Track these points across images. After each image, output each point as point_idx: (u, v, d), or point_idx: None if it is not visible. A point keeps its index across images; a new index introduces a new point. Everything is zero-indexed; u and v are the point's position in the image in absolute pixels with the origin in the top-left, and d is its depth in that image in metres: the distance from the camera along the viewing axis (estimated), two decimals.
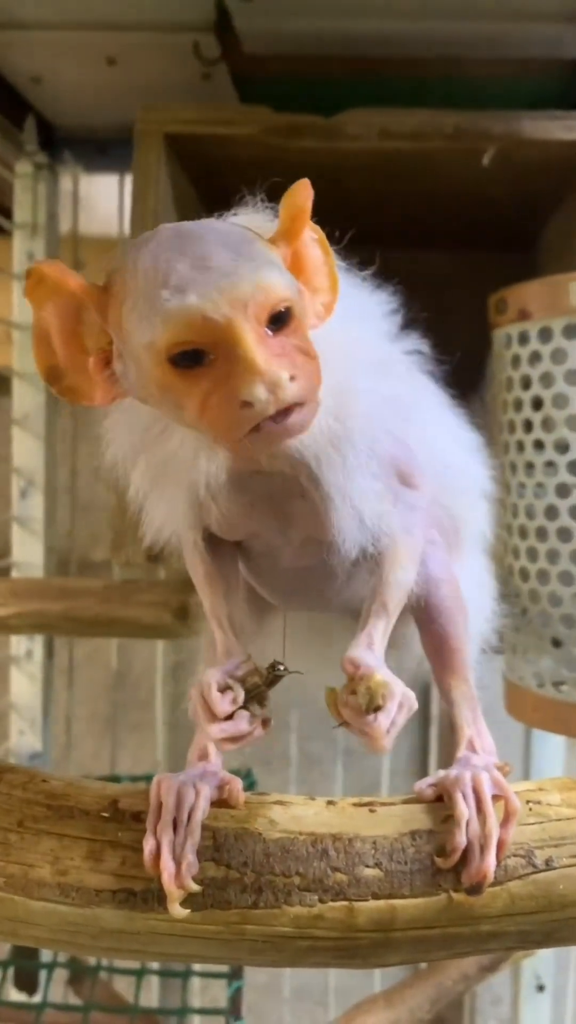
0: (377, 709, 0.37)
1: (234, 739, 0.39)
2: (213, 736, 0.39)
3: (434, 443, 0.49)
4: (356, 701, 0.38)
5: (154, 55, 0.86)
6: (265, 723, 0.40)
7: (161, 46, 0.85)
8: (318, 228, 0.39)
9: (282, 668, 0.41)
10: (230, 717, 0.39)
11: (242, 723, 0.39)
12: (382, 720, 0.37)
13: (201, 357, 0.33)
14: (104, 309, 0.36)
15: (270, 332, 0.34)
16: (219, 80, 0.88)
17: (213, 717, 0.39)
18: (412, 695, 0.39)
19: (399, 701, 0.38)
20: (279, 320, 0.34)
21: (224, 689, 0.40)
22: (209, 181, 0.90)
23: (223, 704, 0.39)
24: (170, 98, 0.89)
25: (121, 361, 0.36)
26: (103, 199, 1.12)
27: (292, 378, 0.33)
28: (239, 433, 0.34)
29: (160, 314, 0.33)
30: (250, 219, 0.39)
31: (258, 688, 0.41)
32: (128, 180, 0.99)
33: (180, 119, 0.80)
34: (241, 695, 0.40)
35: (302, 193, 0.38)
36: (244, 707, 0.40)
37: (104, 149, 1.03)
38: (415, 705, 0.39)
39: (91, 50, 0.87)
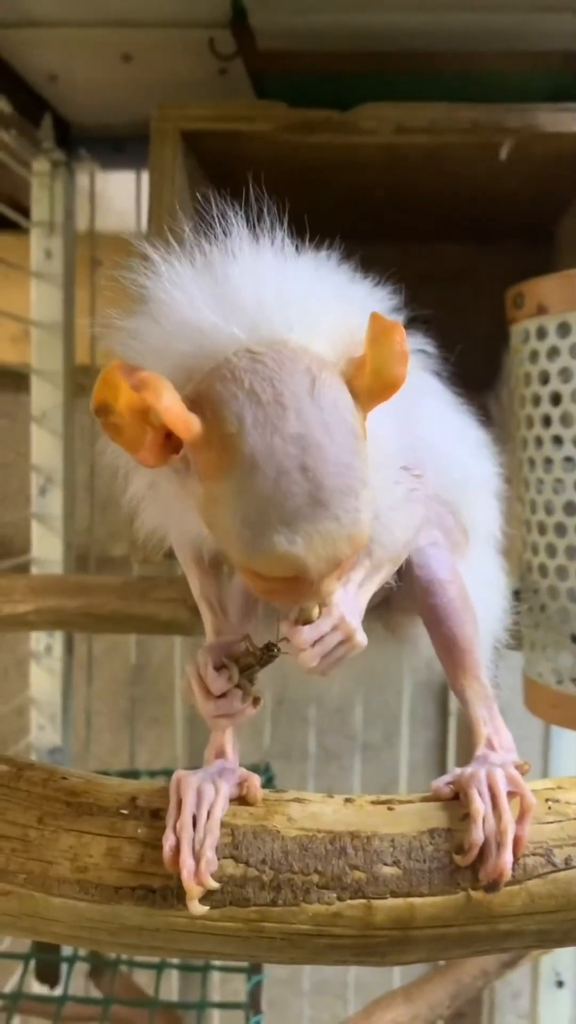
0: (307, 622, 0.38)
1: (227, 716, 0.40)
2: (208, 713, 0.40)
3: (438, 441, 0.48)
4: (295, 613, 0.38)
5: (170, 52, 0.86)
6: (256, 701, 0.41)
7: (177, 43, 0.85)
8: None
9: (276, 649, 0.41)
10: (223, 695, 0.40)
11: (236, 701, 0.40)
12: (306, 632, 0.38)
13: None
14: (196, 449, 0.35)
15: None
16: (235, 76, 0.88)
17: (208, 695, 0.40)
18: (357, 631, 0.39)
19: (334, 623, 0.38)
20: None
21: (219, 667, 0.41)
22: (225, 177, 0.90)
23: (219, 682, 0.40)
24: (186, 94, 0.89)
25: (188, 471, 0.36)
26: (120, 196, 1.12)
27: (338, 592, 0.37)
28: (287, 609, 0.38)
29: (263, 546, 0.33)
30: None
31: (252, 667, 0.41)
32: (144, 177, 0.99)
33: (196, 116, 0.80)
34: (236, 673, 0.41)
35: (398, 348, 0.35)
36: (236, 685, 0.41)
37: (120, 146, 1.03)
38: (357, 641, 0.39)
39: (107, 47, 0.87)
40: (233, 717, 0.40)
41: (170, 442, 0.35)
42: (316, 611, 0.38)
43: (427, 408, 0.49)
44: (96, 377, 0.35)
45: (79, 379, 1.06)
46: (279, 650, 0.41)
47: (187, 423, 0.34)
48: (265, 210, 0.41)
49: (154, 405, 0.33)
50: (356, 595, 0.42)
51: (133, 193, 1.06)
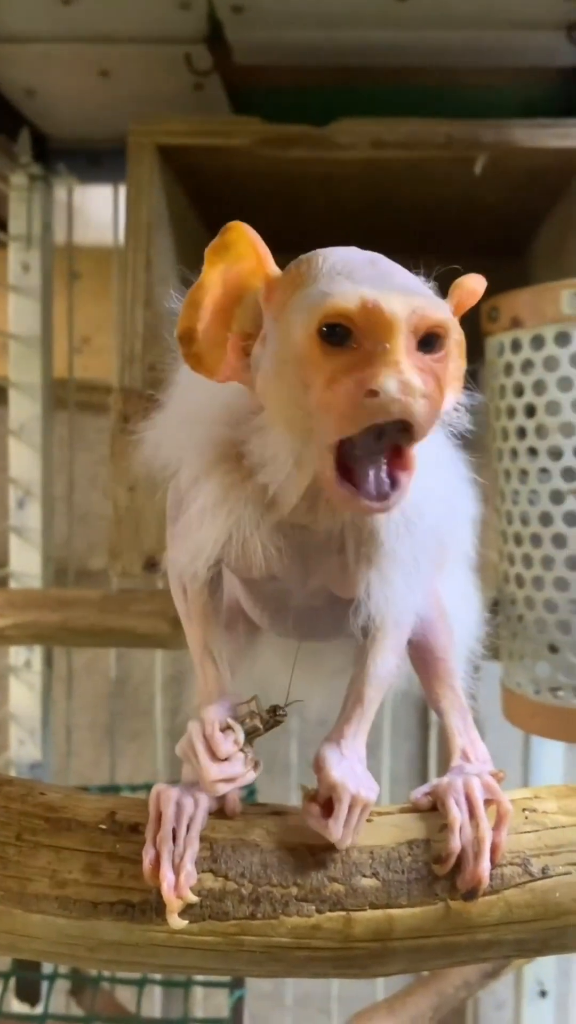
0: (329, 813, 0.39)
1: (229, 781, 0.40)
2: (211, 777, 0.39)
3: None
4: (311, 808, 0.40)
5: (147, 67, 0.87)
6: (256, 765, 0.41)
7: (153, 58, 0.85)
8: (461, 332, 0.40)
9: (283, 713, 0.41)
10: (226, 759, 0.40)
11: (238, 765, 0.40)
12: (331, 826, 0.39)
13: (347, 339, 0.34)
14: (272, 289, 0.37)
15: (419, 352, 0.34)
16: (212, 91, 0.88)
17: (213, 758, 0.39)
18: (367, 790, 0.40)
19: (347, 803, 0.39)
20: (430, 343, 0.34)
21: (224, 729, 0.40)
22: (203, 191, 0.90)
23: (226, 745, 0.40)
24: (163, 109, 0.89)
25: (262, 346, 0.37)
26: (97, 210, 1.12)
27: (422, 395, 0.33)
28: (354, 423, 0.33)
29: (332, 289, 0.34)
30: None
31: (257, 731, 0.41)
32: (122, 191, 0.99)
33: (172, 131, 0.81)
34: (241, 737, 0.40)
35: (476, 281, 0.39)
36: (240, 749, 0.40)
37: (98, 160, 1.03)
38: (373, 798, 0.40)
39: (84, 63, 0.87)
40: (234, 782, 0.40)
41: (245, 349, 0.38)
42: (396, 382, 0.34)
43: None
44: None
45: (57, 392, 1.06)
46: (285, 714, 0.41)
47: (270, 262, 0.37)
48: None
49: (254, 251, 0.36)
50: (354, 745, 0.42)
51: (111, 206, 1.06)
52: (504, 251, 0.98)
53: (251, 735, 0.41)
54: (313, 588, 0.44)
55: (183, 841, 0.40)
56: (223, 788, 0.40)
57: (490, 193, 0.86)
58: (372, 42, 0.83)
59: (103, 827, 0.42)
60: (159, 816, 0.41)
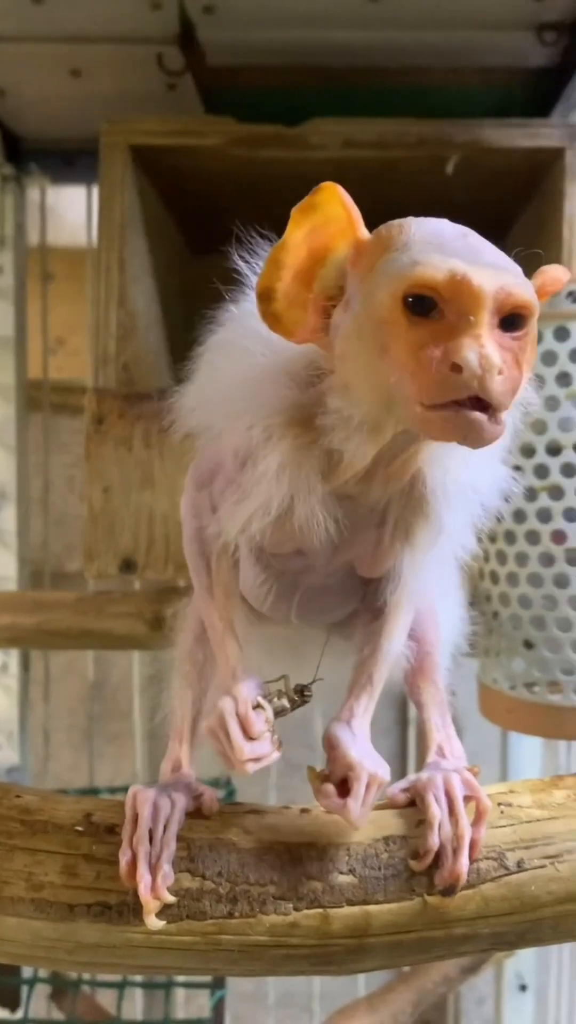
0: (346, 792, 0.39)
1: (259, 760, 0.39)
2: (244, 756, 0.38)
3: None
4: (328, 788, 0.39)
5: (119, 67, 0.86)
6: (279, 745, 0.40)
7: (125, 58, 0.85)
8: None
9: (309, 693, 0.41)
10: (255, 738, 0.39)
11: (267, 744, 0.39)
12: (351, 805, 0.39)
13: (432, 310, 0.33)
14: (361, 252, 0.36)
15: (501, 329, 0.34)
16: (185, 91, 0.88)
17: (247, 736, 0.39)
18: (383, 769, 0.40)
19: (366, 782, 0.39)
20: (512, 323, 0.34)
21: (255, 707, 0.40)
22: (176, 191, 0.90)
23: (259, 724, 0.39)
24: (136, 109, 0.89)
25: (345, 309, 0.37)
26: (71, 210, 1.12)
27: (501, 372, 0.32)
28: (438, 395, 0.33)
29: (421, 258, 0.34)
30: None
31: (285, 710, 0.41)
32: (95, 191, 0.99)
33: (145, 131, 0.81)
34: (271, 715, 0.40)
35: (560, 270, 0.39)
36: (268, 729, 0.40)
37: (71, 161, 1.03)
38: (386, 778, 0.40)
39: (56, 63, 0.87)
40: (261, 761, 0.39)
41: (325, 311, 0.37)
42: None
43: None
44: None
45: (32, 393, 1.06)
46: (311, 694, 0.41)
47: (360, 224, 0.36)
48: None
49: (344, 211, 0.36)
50: (363, 724, 0.42)
51: (84, 207, 1.06)
52: None
53: (278, 714, 0.40)
54: (335, 565, 0.44)
55: (160, 842, 0.40)
56: (252, 767, 0.39)
57: (461, 193, 0.86)
58: (344, 42, 0.83)
59: (79, 829, 0.41)
60: (135, 817, 0.41)
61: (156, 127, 0.81)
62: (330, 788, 0.39)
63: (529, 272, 0.39)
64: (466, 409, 0.33)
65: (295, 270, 0.36)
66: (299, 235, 0.36)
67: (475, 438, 0.33)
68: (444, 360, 0.32)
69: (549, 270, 0.39)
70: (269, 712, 0.40)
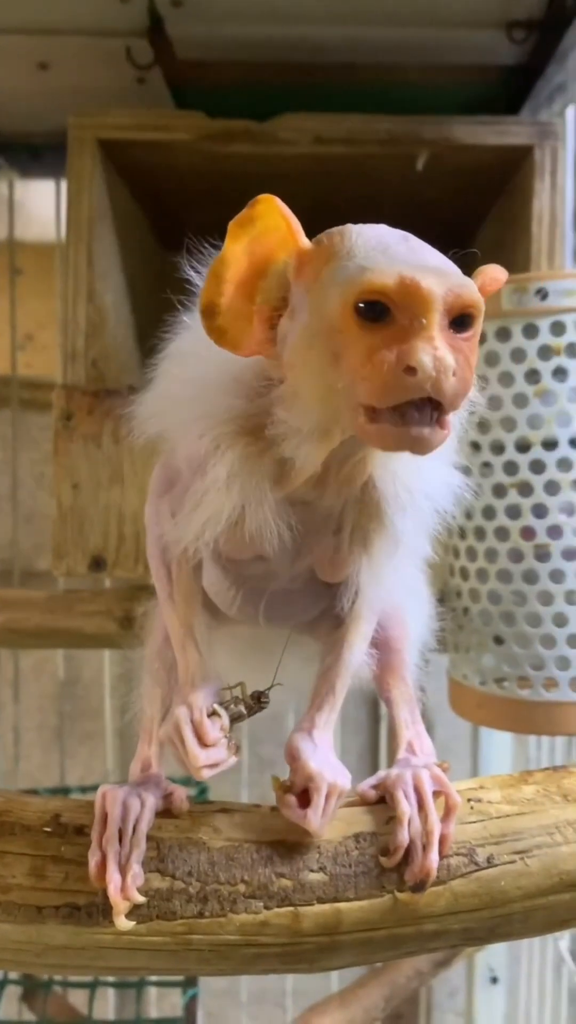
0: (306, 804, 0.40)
1: (215, 766, 0.39)
2: (199, 763, 0.39)
3: None
4: (289, 799, 0.40)
5: (87, 60, 0.86)
6: (237, 750, 0.40)
7: (93, 51, 0.84)
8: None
9: (266, 699, 0.41)
10: (211, 745, 0.39)
11: (223, 750, 0.40)
12: (310, 816, 0.40)
13: (383, 316, 0.33)
14: (304, 261, 0.36)
15: (450, 330, 0.34)
16: (154, 85, 0.88)
17: (201, 744, 0.39)
18: (343, 778, 0.41)
19: (325, 792, 0.40)
20: (462, 323, 0.34)
21: (211, 714, 0.40)
22: (145, 186, 0.89)
23: (213, 732, 0.39)
24: (105, 103, 0.88)
25: (291, 318, 0.37)
26: (39, 205, 1.11)
27: (455, 374, 0.33)
28: (391, 397, 0.33)
29: (369, 265, 0.34)
30: None
31: (242, 716, 0.41)
32: (64, 185, 0.98)
33: (113, 125, 0.80)
34: (227, 722, 0.40)
35: (498, 270, 0.40)
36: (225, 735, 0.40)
37: (38, 154, 1.02)
38: (347, 786, 0.41)
39: (23, 55, 0.86)
40: (218, 767, 0.39)
41: (270, 322, 0.37)
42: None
43: None
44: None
45: (0, 390, 1.05)
46: (268, 700, 0.41)
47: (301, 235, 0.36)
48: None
49: (284, 224, 0.36)
50: (324, 734, 0.42)
51: (53, 201, 1.05)
52: (445, 248, 0.98)
53: (235, 720, 0.41)
54: (297, 570, 0.44)
55: (129, 842, 0.40)
56: (208, 773, 0.39)
57: (431, 190, 0.87)
58: (314, 38, 0.83)
59: (47, 830, 0.41)
60: (105, 817, 0.41)
61: (125, 121, 0.81)
62: (291, 799, 0.40)
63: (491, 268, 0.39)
64: (413, 413, 0.33)
65: (236, 283, 0.36)
66: (238, 248, 0.36)
67: (420, 448, 0.34)
68: (399, 362, 0.33)
69: (488, 270, 0.40)
70: (225, 719, 0.40)
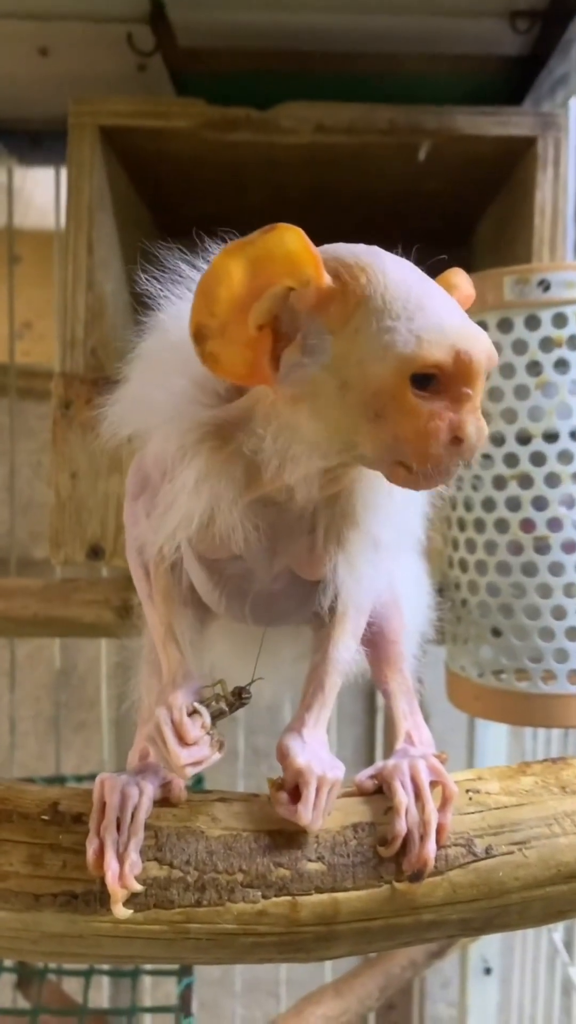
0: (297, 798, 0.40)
1: (198, 764, 0.39)
2: (181, 762, 0.39)
3: None
4: (281, 797, 0.40)
5: (87, 46, 0.85)
6: (220, 746, 0.40)
7: (94, 37, 0.84)
8: None
9: (247, 695, 0.41)
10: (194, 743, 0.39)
11: (205, 748, 0.40)
12: (301, 811, 0.40)
13: (431, 382, 0.34)
14: (326, 299, 0.35)
15: None
16: (155, 72, 0.87)
17: (182, 743, 0.39)
18: (333, 771, 0.41)
19: (315, 786, 0.40)
20: None
21: (191, 713, 0.40)
22: (145, 173, 0.89)
23: (194, 731, 0.39)
24: (106, 90, 0.88)
25: (301, 351, 0.35)
26: (39, 192, 1.10)
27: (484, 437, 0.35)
28: (435, 463, 0.35)
29: (424, 335, 0.34)
30: None
31: (223, 713, 0.41)
32: (64, 172, 0.97)
33: (114, 111, 0.80)
34: (208, 720, 0.40)
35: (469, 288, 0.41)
36: (207, 732, 0.40)
37: (38, 141, 1.01)
38: (338, 778, 0.41)
39: (23, 40, 0.85)
40: (201, 764, 0.39)
41: (274, 350, 0.36)
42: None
43: None
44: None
45: None
46: (250, 695, 0.41)
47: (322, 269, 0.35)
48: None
49: (306, 266, 0.34)
50: (315, 732, 0.42)
51: (53, 188, 1.04)
52: (447, 238, 0.98)
53: (217, 717, 0.41)
54: (277, 570, 0.44)
55: (127, 830, 0.40)
56: (192, 771, 0.40)
57: (433, 180, 0.86)
58: (316, 26, 0.83)
59: (45, 818, 0.41)
60: (103, 805, 0.41)
61: (125, 108, 0.80)
62: (283, 796, 0.40)
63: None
64: (449, 467, 0.35)
65: (231, 305, 0.34)
66: (234, 266, 0.33)
67: (442, 484, 0.37)
68: (448, 433, 0.34)
69: (461, 286, 0.41)
70: (206, 717, 0.40)
